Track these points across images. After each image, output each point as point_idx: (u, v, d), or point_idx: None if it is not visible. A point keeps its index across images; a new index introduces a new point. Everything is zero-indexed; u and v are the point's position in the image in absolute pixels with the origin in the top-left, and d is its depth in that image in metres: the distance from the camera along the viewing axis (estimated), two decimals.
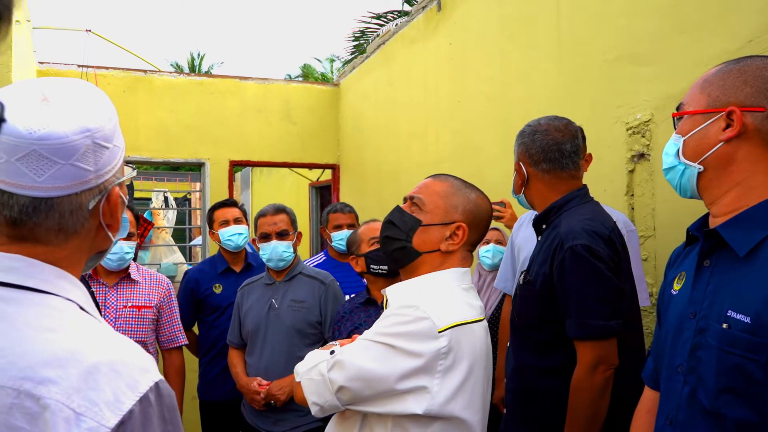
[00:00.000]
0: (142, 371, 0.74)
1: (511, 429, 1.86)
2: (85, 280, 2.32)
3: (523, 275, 1.86)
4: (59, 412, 0.67)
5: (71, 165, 0.77)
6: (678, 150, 1.20)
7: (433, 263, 1.44)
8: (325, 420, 1.55)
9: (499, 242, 2.99)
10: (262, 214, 2.74)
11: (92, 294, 2.12)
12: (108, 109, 0.84)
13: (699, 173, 1.17)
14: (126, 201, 0.91)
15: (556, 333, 1.71)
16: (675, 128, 1.24)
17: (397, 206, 1.51)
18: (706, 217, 1.23)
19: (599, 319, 1.62)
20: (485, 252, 2.98)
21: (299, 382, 1.36)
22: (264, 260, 2.73)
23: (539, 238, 1.89)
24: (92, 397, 0.69)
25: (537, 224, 1.89)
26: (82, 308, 0.80)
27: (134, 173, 0.93)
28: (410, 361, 1.26)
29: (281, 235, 2.66)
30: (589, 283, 1.63)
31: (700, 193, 1.20)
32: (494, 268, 3.00)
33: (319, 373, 1.30)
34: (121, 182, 0.86)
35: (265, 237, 2.67)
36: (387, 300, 1.50)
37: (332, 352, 1.32)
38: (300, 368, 1.36)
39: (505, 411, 1.93)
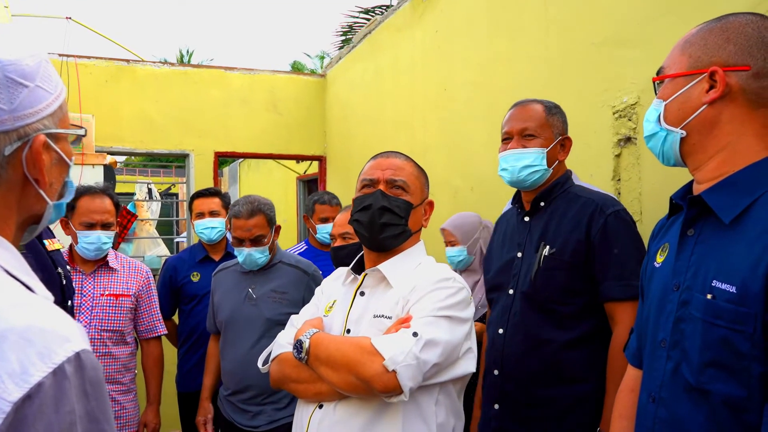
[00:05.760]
0: (61, 340, 0.65)
1: (522, 414, 1.82)
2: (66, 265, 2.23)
3: (546, 248, 1.84)
4: None
5: None
6: (659, 115, 1.14)
7: (412, 239, 1.54)
8: None
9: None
10: (235, 215, 2.48)
11: (68, 277, 2.03)
12: (32, 47, 0.76)
13: (682, 139, 1.12)
14: (71, 163, 0.82)
15: (583, 304, 1.76)
16: (656, 93, 1.19)
17: (380, 191, 1.49)
18: (690, 185, 1.17)
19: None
20: (452, 255, 2.78)
21: (393, 372, 1.25)
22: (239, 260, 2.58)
23: (538, 215, 1.92)
24: None
25: (535, 202, 1.93)
26: (8, 273, 0.71)
27: (82, 131, 0.85)
28: (464, 327, 1.39)
29: (255, 242, 2.47)
30: (633, 246, 1.74)
31: (684, 160, 1.15)
32: (460, 269, 2.83)
33: (414, 357, 1.28)
34: (52, 133, 0.77)
35: (239, 242, 2.48)
36: (370, 276, 1.52)
37: (415, 334, 1.30)
38: (395, 357, 1.27)
39: (502, 397, 1.88)
